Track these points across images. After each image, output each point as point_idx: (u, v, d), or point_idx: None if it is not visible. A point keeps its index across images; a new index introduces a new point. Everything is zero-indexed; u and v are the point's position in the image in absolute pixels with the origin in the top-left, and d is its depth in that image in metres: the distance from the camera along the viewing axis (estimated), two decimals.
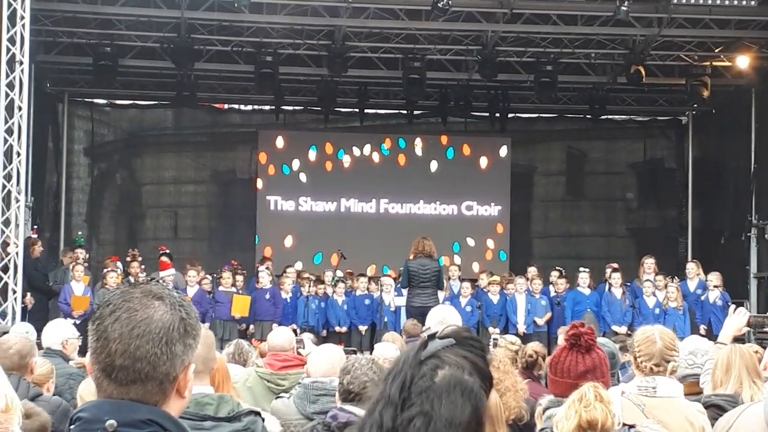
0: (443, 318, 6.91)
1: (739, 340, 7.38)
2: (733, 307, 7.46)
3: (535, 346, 8.11)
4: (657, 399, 5.33)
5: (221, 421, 4.23)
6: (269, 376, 7.31)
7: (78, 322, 16.34)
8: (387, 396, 2.30)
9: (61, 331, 8.51)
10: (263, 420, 4.53)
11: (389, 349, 8.01)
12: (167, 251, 18.89)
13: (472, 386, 2.29)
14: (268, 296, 18.01)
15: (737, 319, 7.10)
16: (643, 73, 19.51)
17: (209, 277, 18.54)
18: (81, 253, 18.18)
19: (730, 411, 5.14)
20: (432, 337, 2.38)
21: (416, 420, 2.25)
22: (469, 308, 18.02)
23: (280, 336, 7.91)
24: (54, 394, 6.95)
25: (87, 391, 6.13)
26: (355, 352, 8.66)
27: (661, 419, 5.22)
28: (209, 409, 4.21)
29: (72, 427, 2.33)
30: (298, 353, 8.00)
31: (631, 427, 4.06)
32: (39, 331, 9.38)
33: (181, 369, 2.34)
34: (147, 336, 2.29)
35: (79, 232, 21.46)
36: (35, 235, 17.97)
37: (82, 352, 12.73)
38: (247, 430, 4.30)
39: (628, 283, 18.32)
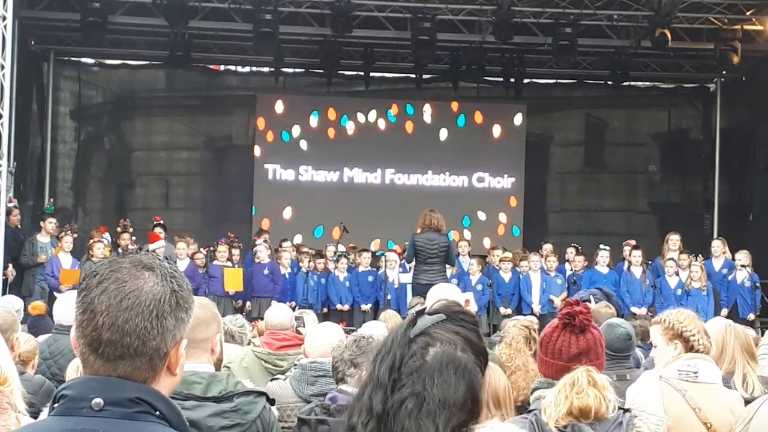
0: (440, 297, 6.90)
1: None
2: None
3: (524, 321, 8.07)
4: (699, 384, 5.30)
5: (207, 401, 4.16)
6: (266, 356, 7.29)
7: None
8: (376, 378, 2.31)
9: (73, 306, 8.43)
10: (272, 402, 4.46)
11: (376, 328, 8.01)
12: (161, 222, 18.87)
13: (466, 363, 2.31)
14: (266, 271, 18.01)
15: None
16: (669, 36, 19.39)
17: (202, 252, 18.52)
18: (51, 223, 18.04)
19: (751, 403, 5.16)
20: (421, 313, 2.39)
21: (408, 402, 2.26)
22: (480, 286, 18.02)
23: (279, 313, 7.89)
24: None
25: (74, 370, 6.14)
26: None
27: (703, 406, 5.20)
28: (196, 389, 4.14)
29: (56, 405, 2.33)
30: (298, 332, 8.00)
31: (627, 411, 4.06)
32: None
33: (172, 344, 2.34)
34: (136, 309, 2.29)
35: (50, 199, 21.40)
36: (11, 204, 17.94)
37: None
38: (238, 411, 4.20)
39: (650, 261, 18.32)
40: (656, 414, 4.08)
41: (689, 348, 5.43)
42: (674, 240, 18.48)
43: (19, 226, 17.98)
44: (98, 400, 2.27)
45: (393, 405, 2.27)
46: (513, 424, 4.07)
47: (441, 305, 2.43)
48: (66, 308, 8.08)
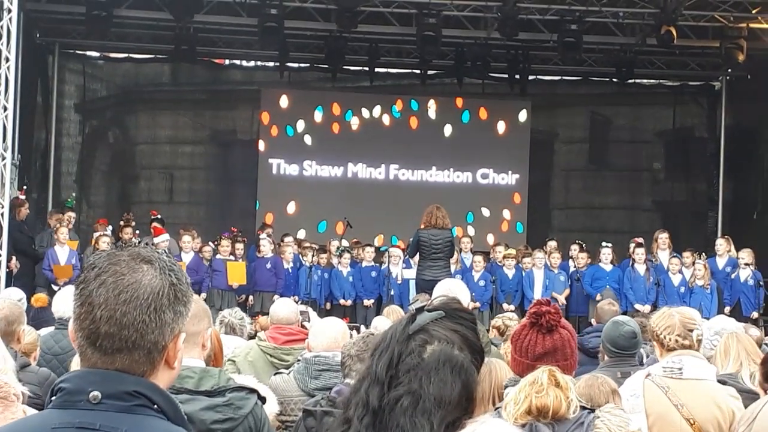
0: (448, 292, 6.88)
1: None
2: None
3: (507, 316, 8.05)
4: (683, 381, 5.34)
5: (199, 395, 4.17)
6: (272, 350, 7.30)
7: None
8: (374, 373, 2.32)
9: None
10: (263, 400, 4.46)
11: (384, 324, 8.01)
12: (158, 216, 18.91)
13: (462, 362, 2.32)
14: (269, 266, 18.02)
15: None
16: (675, 34, 19.35)
17: (211, 245, 18.54)
18: (71, 216, 18.20)
19: (755, 403, 5.18)
20: (420, 310, 2.40)
21: (404, 399, 2.27)
22: (482, 282, 18.03)
23: (284, 308, 7.88)
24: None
25: (78, 364, 6.14)
26: (358, 329, 8.65)
27: (686, 402, 5.24)
28: (189, 383, 4.15)
29: (53, 398, 2.32)
30: (303, 326, 8.00)
31: (591, 411, 4.06)
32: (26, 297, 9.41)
33: (170, 338, 2.33)
34: (135, 302, 2.28)
35: (73, 194, 21.45)
36: (23, 197, 17.98)
37: None
38: (230, 405, 4.22)
39: (652, 260, 18.31)
40: (621, 415, 4.06)
41: (662, 346, 5.49)
42: (663, 238, 18.59)
43: (24, 219, 18.00)
44: (96, 394, 2.25)
45: (389, 402, 2.28)
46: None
47: (440, 302, 2.44)
48: (66, 302, 8.09)
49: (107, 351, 2.28)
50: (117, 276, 2.29)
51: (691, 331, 5.54)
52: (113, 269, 2.31)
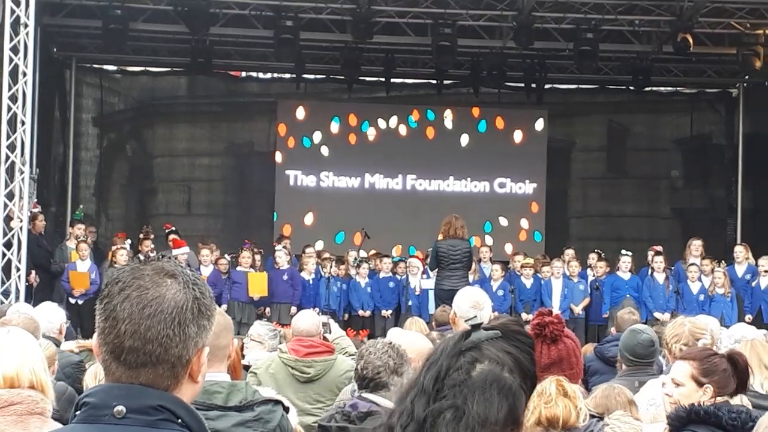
0: (477, 302, 6.80)
1: None
2: None
3: None
4: None
5: (230, 411, 4.19)
6: (293, 362, 7.26)
7: (80, 302, 16.52)
8: (421, 384, 2.33)
9: (57, 315, 8.55)
10: (287, 410, 4.50)
11: (400, 336, 7.97)
12: (173, 229, 18.92)
13: (511, 385, 2.30)
14: (285, 277, 18.03)
15: None
16: (691, 41, 19.34)
17: (227, 258, 18.55)
18: (80, 229, 18.20)
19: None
20: (476, 327, 2.39)
21: (446, 413, 2.27)
22: (501, 292, 18.00)
23: (306, 320, 7.81)
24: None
25: (92, 377, 6.14)
26: None
27: None
28: (218, 398, 4.17)
29: (78, 412, 2.33)
30: (324, 338, 7.96)
31: (600, 419, 4.06)
32: None
33: (194, 352, 2.34)
34: (158, 316, 2.29)
35: (80, 206, 21.47)
36: (36, 209, 18.00)
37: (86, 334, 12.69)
38: (260, 420, 4.23)
39: (671, 267, 18.25)
40: (630, 422, 4.07)
41: (672, 354, 5.63)
42: (696, 245, 18.43)
43: (43, 233, 18.04)
44: (120, 408, 2.27)
45: (432, 412, 2.29)
46: None
47: (500, 322, 2.43)
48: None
49: (131, 365, 2.30)
50: (141, 290, 2.31)
51: (698, 340, 5.61)
52: (137, 283, 2.32)
